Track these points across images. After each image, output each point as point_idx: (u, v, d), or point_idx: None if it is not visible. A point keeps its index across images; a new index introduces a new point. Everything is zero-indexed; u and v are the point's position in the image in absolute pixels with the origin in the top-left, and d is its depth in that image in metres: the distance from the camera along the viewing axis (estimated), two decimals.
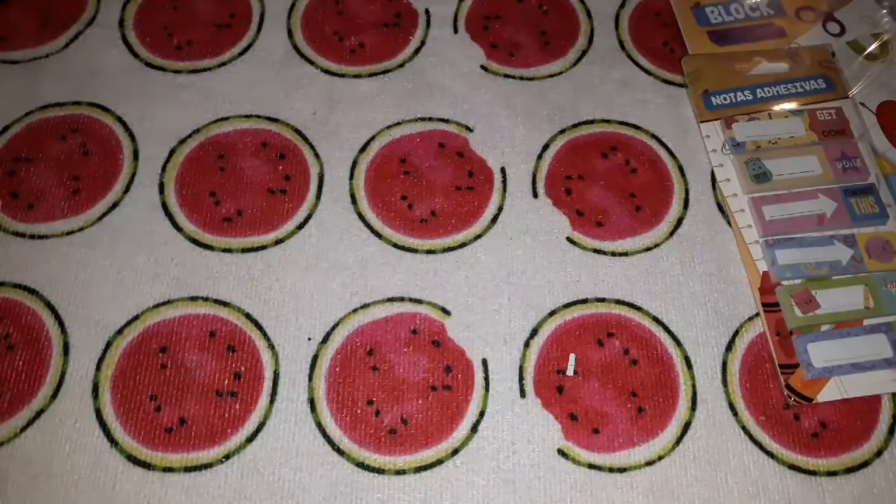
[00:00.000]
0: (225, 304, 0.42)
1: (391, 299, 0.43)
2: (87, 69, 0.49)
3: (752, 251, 0.44)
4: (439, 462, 0.39)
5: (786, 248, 0.43)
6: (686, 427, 0.40)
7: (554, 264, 0.44)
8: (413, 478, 0.39)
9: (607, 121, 0.48)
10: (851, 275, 0.43)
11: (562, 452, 0.39)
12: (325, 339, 0.42)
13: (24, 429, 0.39)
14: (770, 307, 0.42)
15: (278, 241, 0.44)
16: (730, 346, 0.42)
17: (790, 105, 0.48)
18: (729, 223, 0.45)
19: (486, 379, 0.41)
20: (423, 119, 0.48)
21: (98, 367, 0.41)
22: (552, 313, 0.42)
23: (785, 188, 0.45)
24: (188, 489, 0.38)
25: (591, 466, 0.39)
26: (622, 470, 0.39)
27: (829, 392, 0.40)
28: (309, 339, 0.42)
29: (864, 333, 0.42)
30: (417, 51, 0.50)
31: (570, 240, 0.44)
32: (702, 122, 0.47)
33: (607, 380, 0.41)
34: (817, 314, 0.42)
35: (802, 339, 0.41)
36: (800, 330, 0.41)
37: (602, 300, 0.43)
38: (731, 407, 0.40)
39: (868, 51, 0.49)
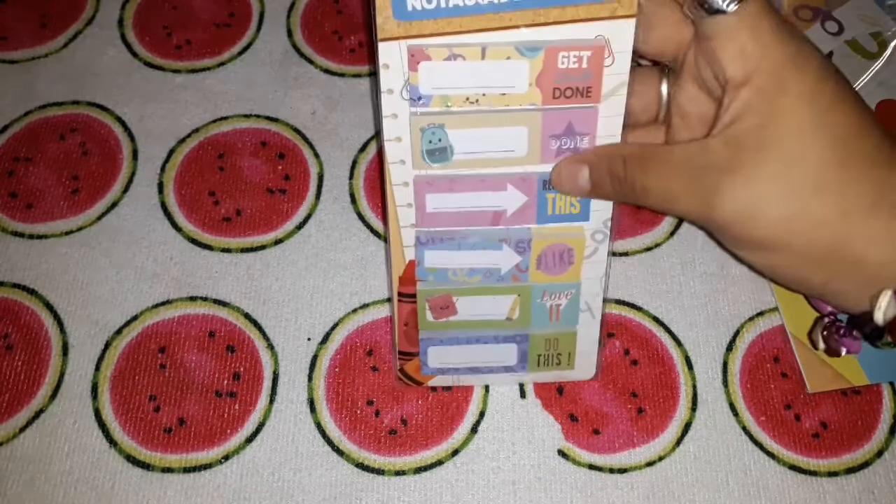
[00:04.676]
0: (224, 304, 0.42)
1: (391, 299, 0.42)
2: (86, 69, 0.49)
3: (403, 235, 0.35)
4: (439, 463, 0.39)
5: (439, 248, 0.35)
6: (686, 427, 0.40)
7: None
8: (413, 479, 0.39)
9: None
10: (507, 284, 0.36)
11: (562, 453, 0.39)
12: (325, 340, 0.41)
13: (23, 429, 0.39)
14: (407, 297, 0.37)
15: (278, 241, 0.44)
16: (730, 346, 0.42)
17: (524, 34, 0.30)
18: None
19: None
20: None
21: (97, 368, 0.40)
22: None
23: (467, 169, 0.33)
24: (187, 490, 0.38)
25: (592, 467, 0.39)
26: (622, 471, 0.39)
27: (441, 380, 0.39)
28: (308, 339, 0.41)
29: (494, 342, 0.38)
30: None
31: None
32: (382, 39, 0.30)
33: (608, 380, 0.41)
34: (450, 320, 0.37)
35: (426, 341, 0.38)
36: (428, 330, 0.38)
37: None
38: (732, 407, 0.40)
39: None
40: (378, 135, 0.32)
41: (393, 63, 0.31)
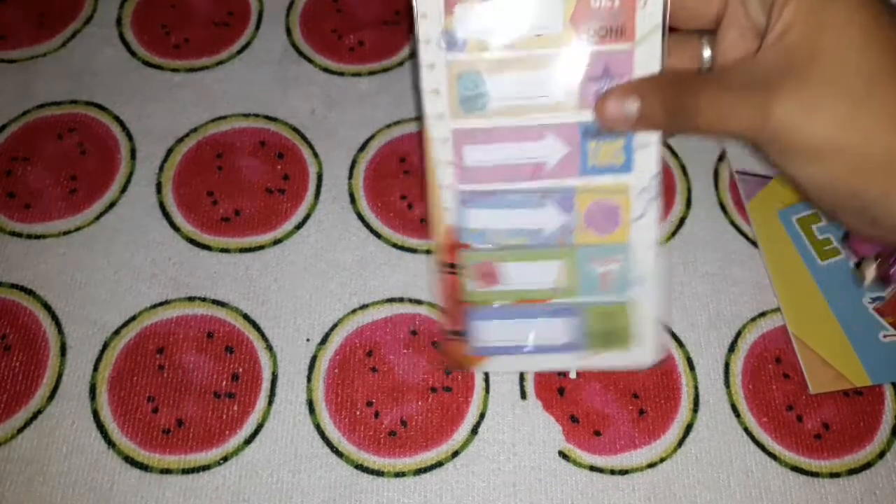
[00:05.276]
0: (223, 304, 0.42)
1: (390, 300, 0.42)
2: (85, 68, 0.48)
3: (442, 196, 0.35)
4: (439, 464, 0.39)
5: (480, 207, 0.34)
6: (688, 429, 0.40)
7: None
8: (413, 480, 0.38)
9: None
10: (553, 247, 0.35)
11: (563, 454, 0.39)
12: (324, 340, 0.41)
13: (21, 430, 0.39)
14: (449, 268, 0.36)
15: (276, 241, 0.44)
16: (732, 347, 0.41)
17: None
18: (732, 223, 0.45)
19: (487, 380, 0.40)
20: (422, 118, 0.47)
21: (95, 368, 0.40)
22: None
23: (504, 118, 0.33)
24: (185, 491, 0.38)
25: (593, 469, 0.39)
26: (624, 472, 0.39)
27: (492, 364, 0.38)
28: (307, 339, 0.41)
29: (545, 315, 0.36)
30: None
31: None
32: None
33: (609, 381, 0.40)
34: (494, 290, 0.36)
35: (472, 313, 0.36)
36: (472, 302, 0.36)
37: None
38: (734, 408, 0.40)
39: None
40: (417, 93, 0.33)
41: (430, 11, 0.32)
